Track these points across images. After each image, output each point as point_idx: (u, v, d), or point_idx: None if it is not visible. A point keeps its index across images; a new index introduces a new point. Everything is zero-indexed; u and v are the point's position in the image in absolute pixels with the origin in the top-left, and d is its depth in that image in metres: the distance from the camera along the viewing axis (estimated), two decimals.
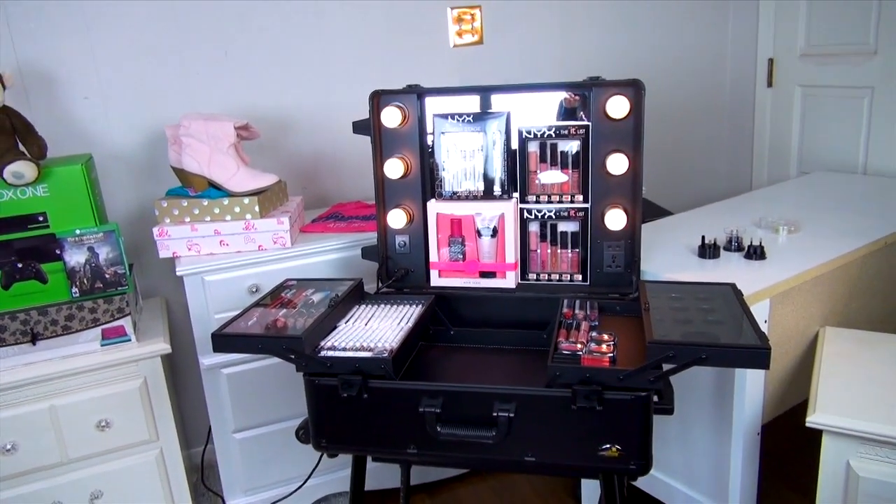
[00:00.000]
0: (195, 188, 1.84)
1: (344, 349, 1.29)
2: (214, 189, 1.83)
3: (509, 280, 1.58)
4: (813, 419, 1.31)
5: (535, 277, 1.60)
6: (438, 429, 1.19)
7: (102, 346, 1.70)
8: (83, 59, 1.92)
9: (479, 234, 1.58)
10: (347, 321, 1.44)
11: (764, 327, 1.52)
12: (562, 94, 1.53)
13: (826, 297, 1.68)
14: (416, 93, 1.58)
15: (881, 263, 1.81)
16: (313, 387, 1.25)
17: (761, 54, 2.84)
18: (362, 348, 1.29)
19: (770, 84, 2.84)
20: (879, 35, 2.41)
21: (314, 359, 1.24)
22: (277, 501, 1.94)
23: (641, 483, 1.84)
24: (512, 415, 1.17)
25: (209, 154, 1.81)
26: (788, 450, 2.10)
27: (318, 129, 2.26)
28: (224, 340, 1.28)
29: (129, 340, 1.72)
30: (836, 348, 1.56)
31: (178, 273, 1.73)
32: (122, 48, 1.96)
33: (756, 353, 1.10)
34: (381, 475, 2.00)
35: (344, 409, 1.24)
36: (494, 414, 1.17)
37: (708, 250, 1.68)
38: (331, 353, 1.28)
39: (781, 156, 2.85)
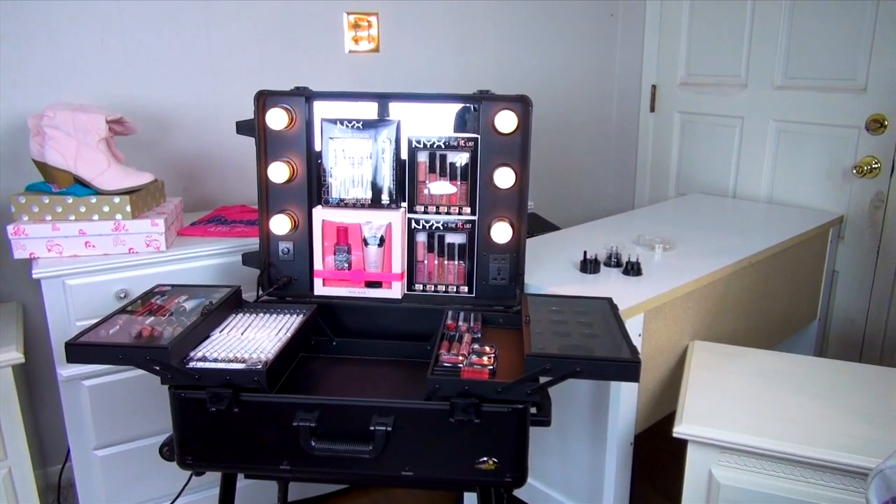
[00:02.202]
0: (59, 184, 1.70)
1: (215, 360, 1.22)
2: (81, 186, 1.69)
3: (395, 290, 1.55)
4: (679, 430, 1.37)
5: (421, 288, 1.59)
6: (313, 444, 1.15)
7: None
8: None
9: (365, 242, 1.55)
10: (222, 330, 1.36)
11: (638, 341, 1.58)
12: (454, 106, 1.53)
13: (695, 313, 1.77)
14: (304, 95, 1.53)
15: (745, 281, 1.93)
16: (179, 400, 1.17)
17: (645, 81, 2.99)
18: (235, 359, 1.22)
19: (653, 109, 3.00)
20: (750, 70, 2.60)
21: (181, 370, 1.16)
22: None
23: (520, 493, 1.87)
24: (389, 428, 1.14)
25: (76, 148, 1.68)
26: (660, 458, 2.20)
27: (203, 128, 2.16)
28: (80, 350, 1.17)
29: None
30: (703, 361, 1.65)
31: (34, 275, 1.58)
32: None
33: (627, 367, 1.13)
34: (259, 492, 1.91)
35: (212, 424, 1.17)
36: (372, 428, 1.14)
37: (589, 265, 1.74)
38: (200, 365, 1.20)
39: (661, 177, 3.01)
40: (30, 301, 1.94)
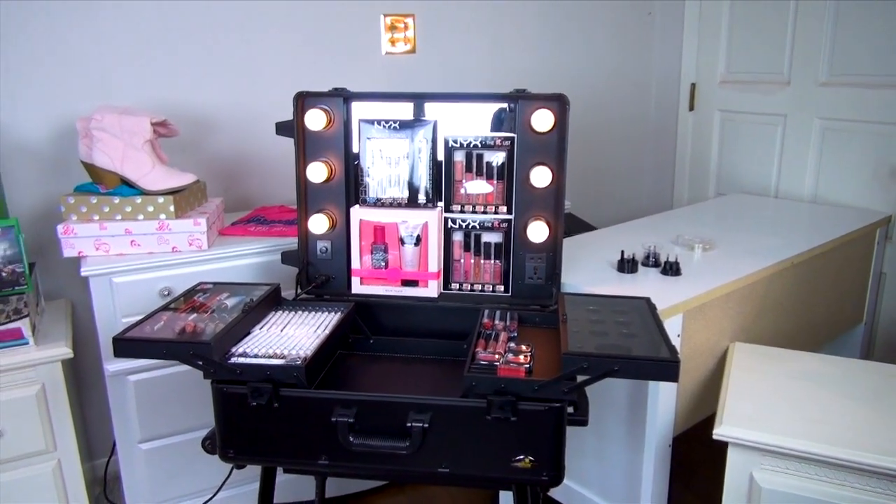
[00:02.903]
0: (106, 185, 1.75)
1: (256, 356, 1.25)
2: (127, 186, 1.74)
3: (431, 289, 1.56)
4: (719, 431, 1.35)
5: (457, 287, 1.59)
6: (351, 439, 1.16)
7: None
8: None
9: (402, 242, 1.56)
10: (262, 327, 1.39)
11: (676, 341, 1.56)
12: (490, 106, 1.53)
13: (736, 314, 1.74)
14: (343, 96, 1.55)
15: (788, 282, 1.89)
16: (221, 395, 1.20)
17: (684, 79, 2.95)
18: (275, 355, 1.24)
19: (692, 108, 2.95)
20: (793, 66, 2.54)
21: (223, 365, 1.19)
22: None
23: (556, 493, 1.86)
24: (426, 425, 1.15)
25: (122, 149, 1.73)
26: (698, 461, 2.17)
27: (243, 130, 2.20)
28: (126, 345, 1.21)
29: (27, 344, 1.62)
30: (744, 363, 1.62)
31: (83, 273, 1.64)
32: (32, 35, 1.85)
33: (666, 366, 1.12)
34: (297, 487, 1.94)
35: (253, 419, 1.20)
36: (409, 424, 1.15)
37: (626, 265, 1.72)
38: (241, 360, 1.23)
39: (701, 177, 2.97)
40: (78, 298, 2.00)
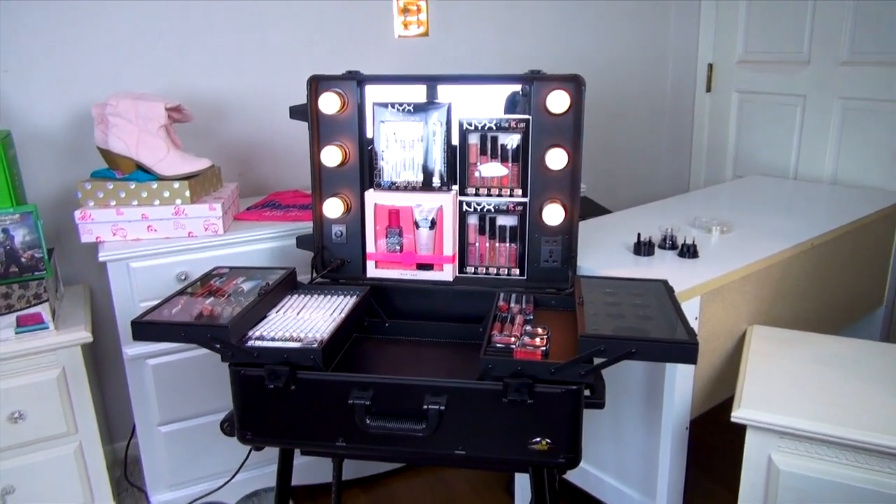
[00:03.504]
0: (122, 170, 1.76)
1: (273, 339, 1.25)
2: (142, 172, 1.75)
3: (447, 273, 1.56)
4: (737, 414, 1.34)
5: (472, 271, 1.59)
6: (368, 421, 1.17)
7: (17, 333, 1.61)
8: (1, 31, 1.81)
9: (417, 225, 1.56)
10: (278, 311, 1.40)
11: (694, 324, 1.55)
12: (504, 88, 1.52)
13: (754, 296, 1.72)
14: (356, 79, 1.54)
15: (807, 264, 1.87)
16: (239, 377, 1.21)
17: (701, 59, 2.91)
18: (292, 338, 1.25)
19: (709, 89, 2.91)
20: (812, 46, 2.50)
21: (240, 348, 1.20)
22: (204, 496, 1.88)
23: (573, 476, 1.86)
24: (442, 408, 1.15)
25: (137, 135, 1.73)
26: (715, 444, 2.16)
27: (257, 115, 2.20)
28: (145, 328, 1.22)
29: (47, 328, 1.64)
30: (762, 346, 1.61)
31: (100, 258, 1.65)
32: (45, 20, 1.86)
33: (684, 348, 1.11)
34: (315, 470, 1.96)
35: (270, 401, 1.20)
36: (425, 407, 1.15)
37: (643, 248, 1.71)
38: (258, 343, 1.23)
39: (718, 159, 2.93)
40: (96, 283, 2.02)
